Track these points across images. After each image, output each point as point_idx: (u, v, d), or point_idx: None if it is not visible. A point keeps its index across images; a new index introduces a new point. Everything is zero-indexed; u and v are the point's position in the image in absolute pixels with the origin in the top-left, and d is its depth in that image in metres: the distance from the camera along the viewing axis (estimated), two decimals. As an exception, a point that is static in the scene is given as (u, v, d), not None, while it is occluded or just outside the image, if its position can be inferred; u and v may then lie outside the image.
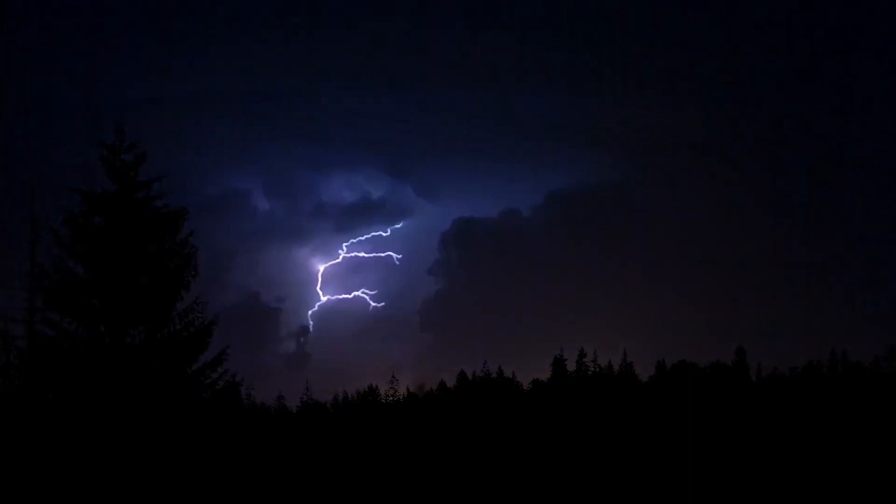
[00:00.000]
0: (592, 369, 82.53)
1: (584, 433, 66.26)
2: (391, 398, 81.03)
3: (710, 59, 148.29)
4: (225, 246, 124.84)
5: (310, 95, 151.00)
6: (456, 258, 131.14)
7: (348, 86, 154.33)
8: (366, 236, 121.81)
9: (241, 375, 32.60)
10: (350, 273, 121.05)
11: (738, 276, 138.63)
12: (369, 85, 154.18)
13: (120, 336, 31.05)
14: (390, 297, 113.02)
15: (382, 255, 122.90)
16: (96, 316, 31.11)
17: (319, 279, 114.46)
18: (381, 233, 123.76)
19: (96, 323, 31.13)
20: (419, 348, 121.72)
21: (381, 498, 57.12)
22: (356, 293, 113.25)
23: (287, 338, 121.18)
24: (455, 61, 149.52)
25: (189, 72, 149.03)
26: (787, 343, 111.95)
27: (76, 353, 30.74)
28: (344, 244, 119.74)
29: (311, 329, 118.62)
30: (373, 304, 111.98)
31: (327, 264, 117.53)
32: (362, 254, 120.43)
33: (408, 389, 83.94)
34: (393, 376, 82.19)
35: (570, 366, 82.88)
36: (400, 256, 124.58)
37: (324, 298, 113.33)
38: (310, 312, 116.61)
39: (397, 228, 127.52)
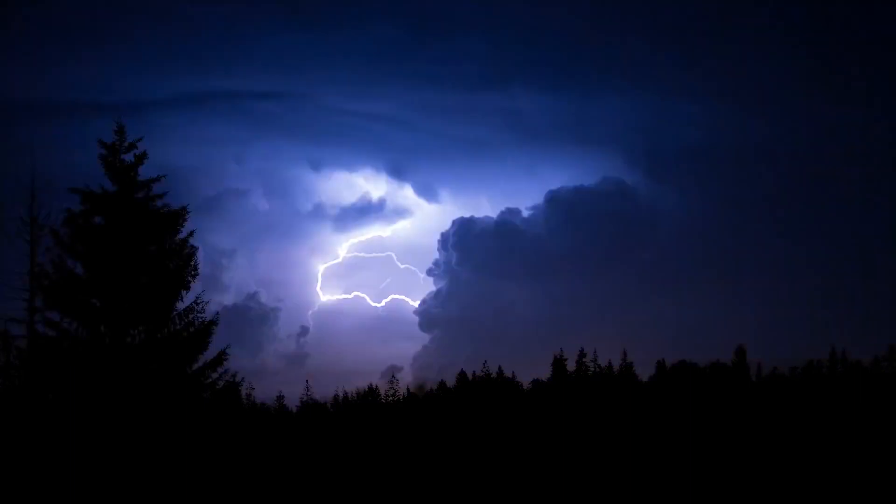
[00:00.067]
0: (592, 369, 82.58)
1: (584, 433, 66.23)
2: (391, 398, 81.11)
3: (711, 59, 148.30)
4: (225, 246, 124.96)
5: (309, 95, 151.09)
6: (456, 258, 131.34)
7: (348, 86, 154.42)
8: (366, 236, 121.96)
9: (241, 375, 32.68)
10: (350, 273, 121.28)
11: (739, 276, 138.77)
12: (369, 85, 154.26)
13: (120, 336, 31.06)
14: (390, 297, 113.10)
15: (382, 255, 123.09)
16: (96, 316, 31.12)
17: (319, 279, 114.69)
18: (381, 233, 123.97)
19: (96, 323, 31.14)
20: (419, 348, 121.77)
21: (381, 498, 57.09)
22: (356, 293, 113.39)
23: (287, 338, 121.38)
24: (455, 62, 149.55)
25: (189, 72, 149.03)
26: (787, 343, 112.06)
27: (76, 353, 30.74)
28: (343, 244, 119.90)
29: (311, 329, 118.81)
30: (372, 304, 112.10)
31: (327, 264, 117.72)
32: (362, 254, 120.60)
33: (408, 389, 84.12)
34: (393, 376, 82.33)
35: (570, 366, 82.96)
36: (400, 256, 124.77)
37: (324, 298, 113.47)
38: (310, 312, 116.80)
39: (397, 228, 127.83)
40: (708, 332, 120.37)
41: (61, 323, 31.04)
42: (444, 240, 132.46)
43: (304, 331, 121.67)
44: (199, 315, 31.93)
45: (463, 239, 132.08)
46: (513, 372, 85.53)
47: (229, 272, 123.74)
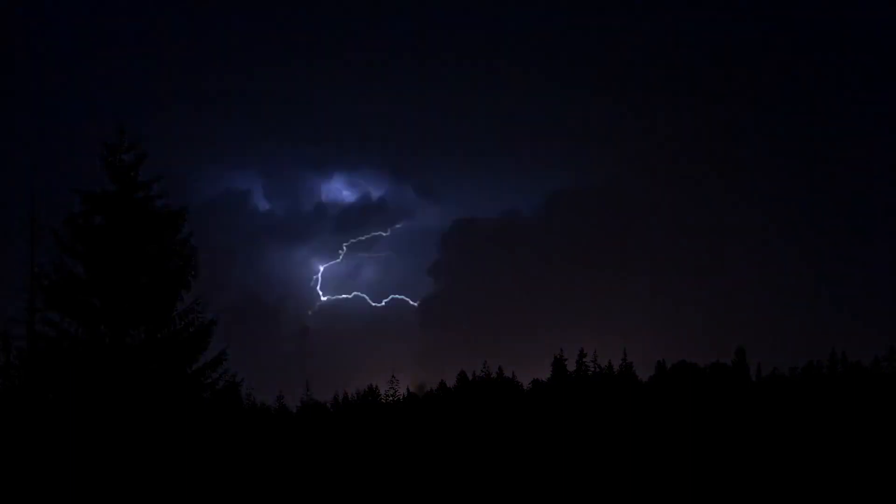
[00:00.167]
0: (592, 369, 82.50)
1: (584, 433, 66.25)
2: (391, 398, 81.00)
3: (711, 59, 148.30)
4: (225, 246, 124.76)
5: (310, 95, 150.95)
6: (456, 258, 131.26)
7: (348, 86, 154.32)
8: (366, 236, 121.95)
9: (241, 375, 32.67)
10: (350, 273, 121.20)
11: (739, 277, 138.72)
12: (369, 85, 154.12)
13: (120, 336, 31.07)
14: (390, 297, 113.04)
15: (382, 255, 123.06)
16: (96, 316, 31.13)
17: (319, 279, 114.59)
18: (381, 233, 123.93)
19: (96, 323, 31.14)
20: (419, 348, 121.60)
21: (381, 498, 57.12)
22: (356, 293, 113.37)
23: (287, 338, 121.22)
24: (455, 61, 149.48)
25: (189, 72, 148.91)
26: (787, 343, 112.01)
27: (76, 353, 30.75)
28: (344, 244, 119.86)
29: (311, 329, 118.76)
30: (373, 303, 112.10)
31: (327, 264, 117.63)
32: (362, 254, 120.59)
33: (408, 389, 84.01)
34: (393, 376, 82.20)
35: (570, 366, 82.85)
36: (400, 257, 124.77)
37: (324, 298, 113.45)
38: (310, 312, 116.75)
39: (397, 228, 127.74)
40: (708, 332, 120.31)
41: (61, 323, 31.05)
42: (445, 240, 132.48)
43: (304, 331, 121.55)
44: (199, 315, 31.95)
45: (463, 239, 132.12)
46: (513, 372, 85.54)
47: (230, 272, 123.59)
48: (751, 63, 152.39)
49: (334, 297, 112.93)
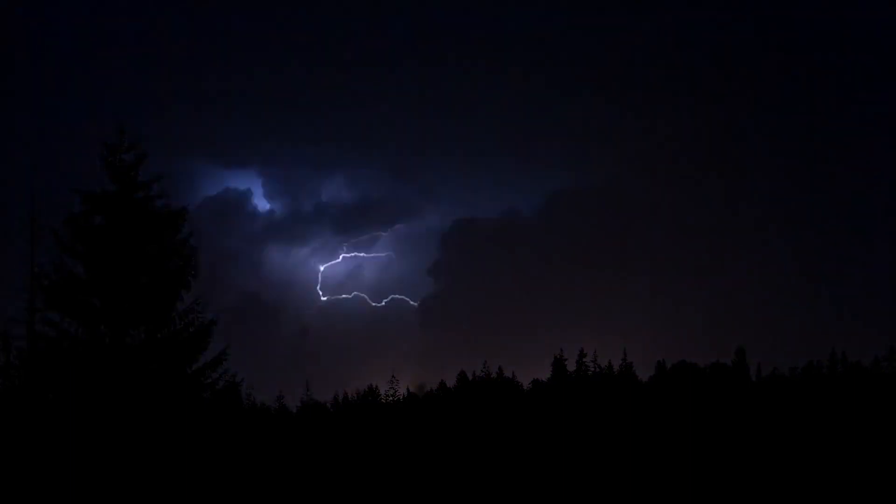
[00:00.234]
0: (592, 369, 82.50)
1: (584, 433, 66.25)
2: (391, 398, 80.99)
3: (711, 59, 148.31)
4: (225, 246, 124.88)
5: (310, 95, 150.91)
6: (456, 258, 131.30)
7: (348, 86, 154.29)
8: (366, 236, 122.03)
9: (241, 375, 32.69)
10: (350, 273, 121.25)
11: (739, 277, 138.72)
12: (369, 85, 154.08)
13: (120, 336, 31.08)
14: (390, 297, 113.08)
15: (382, 255, 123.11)
16: (96, 316, 31.14)
17: (319, 279, 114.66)
18: (381, 233, 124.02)
19: (96, 323, 31.16)
20: (419, 348, 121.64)
21: (381, 498, 57.11)
22: (356, 293, 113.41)
23: (287, 338, 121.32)
24: (455, 62, 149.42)
25: (189, 72, 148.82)
26: (787, 343, 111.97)
27: (76, 353, 30.76)
28: (344, 244, 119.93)
29: (311, 329, 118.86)
30: (373, 303, 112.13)
31: (327, 264, 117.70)
32: (362, 254, 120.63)
33: (408, 389, 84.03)
34: (393, 376, 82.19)
35: (570, 366, 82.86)
36: (400, 256, 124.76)
37: (324, 298, 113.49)
38: (310, 312, 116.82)
39: (397, 228, 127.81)
40: (708, 332, 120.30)
41: (61, 323, 31.06)
42: (445, 240, 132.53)
43: (304, 331, 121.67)
44: (199, 315, 31.98)
45: (463, 239, 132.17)
46: (513, 372, 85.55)
47: (230, 272, 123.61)
48: (751, 63, 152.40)
49: (334, 297, 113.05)
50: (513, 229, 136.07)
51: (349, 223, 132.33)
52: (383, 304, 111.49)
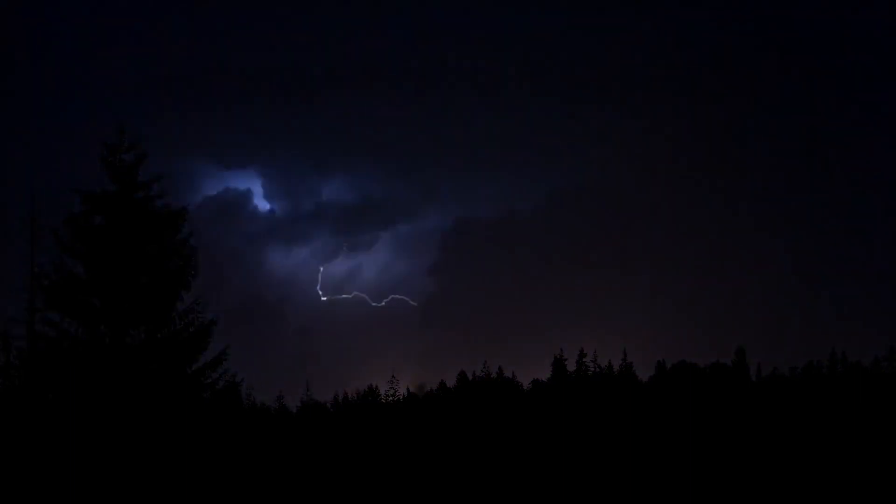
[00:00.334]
0: (592, 369, 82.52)
1: (584, 433, 66.25)
2: (391, 398, 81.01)
3: (711, 59, 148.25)
4: (225, 246, 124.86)
5: (310, 95, 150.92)
6: (456, 258, 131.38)
7: (348, 86, 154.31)
8: (366, 236, 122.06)
9: (241, 375, 32.69)
10: (350, 273, 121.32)
11: (739, 277, 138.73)
12: (369, 85, 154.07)
13: (120, 336, 31.07)
14: (390, 297, 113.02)
15: (382, 255, 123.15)
16: (96, 316, 31.13)
17: (319, 279, 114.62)
18: (380, 233, 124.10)
19: (96, 323, 31.14)
20: (419, 348, 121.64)
21: (381, 498, 57.11)
22: (356, 293, 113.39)
23: (287, 338, 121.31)
24: (456, 62, 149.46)
25: (189, 72, 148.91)
26: (787, 343, 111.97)
27: (76, 353, 30.75)
28: (344, 244, 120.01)
29: (311, 329, 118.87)
30: (373, 303, 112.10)
31: (327, 264, 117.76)
32: (362, 254, 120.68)
33: (408, 389, 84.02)
34: (393, 376, 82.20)
35: (570, 366, 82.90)
36: (399, 256, 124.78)
37: (324, 298, 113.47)
38: (310, 312, 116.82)
39: (397, 228, 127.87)
40: (708, 332, 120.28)
41: (61, 323, 31.05)
42: (445, 240, 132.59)
43: (304, 331, 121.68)
44: (199, 315, 31.96)
45: (463, 239, 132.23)
46: (513, 372, 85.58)
47: (230, 272, 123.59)
48: (751, 63, 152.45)
49: (334, 297, 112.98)
50: (513, 229, 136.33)
51: (349, 223, 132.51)
52: (383, 304, 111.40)
